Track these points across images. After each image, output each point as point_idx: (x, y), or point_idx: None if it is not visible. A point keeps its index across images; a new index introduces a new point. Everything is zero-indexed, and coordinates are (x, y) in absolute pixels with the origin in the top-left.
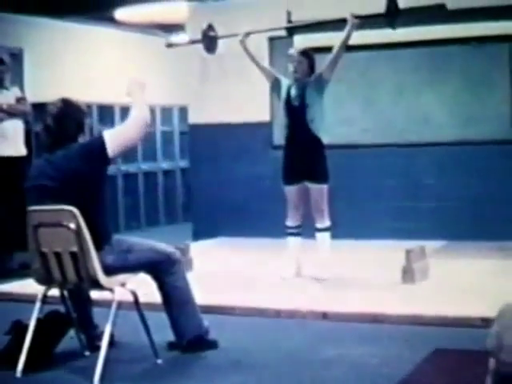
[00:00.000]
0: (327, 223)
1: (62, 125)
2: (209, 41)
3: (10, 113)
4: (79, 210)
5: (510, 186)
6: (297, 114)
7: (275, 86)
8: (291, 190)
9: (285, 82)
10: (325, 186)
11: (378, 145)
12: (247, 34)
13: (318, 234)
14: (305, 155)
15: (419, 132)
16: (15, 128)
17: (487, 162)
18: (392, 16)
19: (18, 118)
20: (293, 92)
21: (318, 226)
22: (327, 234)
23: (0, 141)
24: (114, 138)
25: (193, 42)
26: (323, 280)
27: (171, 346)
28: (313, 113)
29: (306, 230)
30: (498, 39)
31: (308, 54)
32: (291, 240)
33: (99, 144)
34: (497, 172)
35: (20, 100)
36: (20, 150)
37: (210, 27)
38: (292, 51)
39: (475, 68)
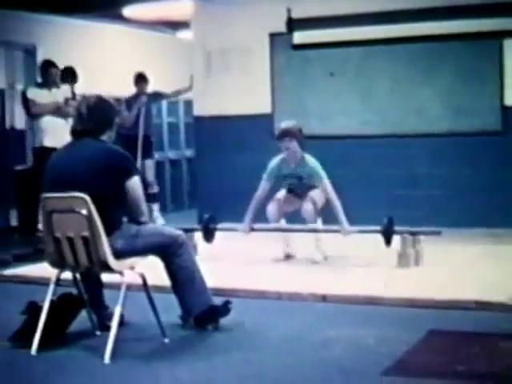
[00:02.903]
0: (318, 221)
1: (93, 115)
2: (208, 232)
3: (54, 112)
4: (92, 197)
5: (499, 175)
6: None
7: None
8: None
9: (277, 165)
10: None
11: (374, 136)
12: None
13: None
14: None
15: (414, 124)
16: (54, 122)
17: (478, 152)
18: (388, 233)
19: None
20: (287, 171)
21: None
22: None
23: (41, 133)
24: (132, 190)
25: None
26: (317, 262)
27: (182, 318)
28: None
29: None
30: (488, 35)
31: (292, 132)
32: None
33: (122, 174)
34: (487, 162)
35: (68, 100)
36: (60, 143)
37: (211, 219)
38: (279, 135)
39: (467, 63)
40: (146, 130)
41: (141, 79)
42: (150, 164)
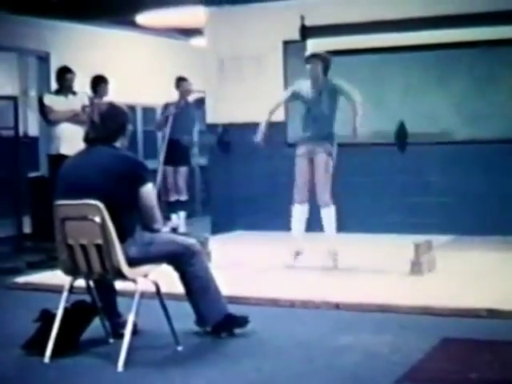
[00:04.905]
0: (329, 201)
1: (105, 122)
2: (224, 144)
3: (72, 120)
4: (106, 204)
5: None
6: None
7: (294, 97)
8: (302, 161)
9: (300, 86)
10: (330, 158)
11: (388, 143)
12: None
13: (323, 210)
14: (318, 125)
15: (428, 131)
16: (71, 129)
17: (492, 159)
18: (401, 141)
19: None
20: (309, 94)
21: (321, 204)
22: (331, 210)
23: (57, 141)
24: (146, 197)
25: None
26: (331, 269)
27: (198, 324)
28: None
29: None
30: (503, 43)
31: (321, 56)
32: (297, 208)
33: (136, 181)
34: (501, 169)
35: (85, 108)
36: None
37: (225, 131)
38: (308, 54)
39: (482, 70)
40: (176, 136)
41: (180, 82)
42: (182, 171)
